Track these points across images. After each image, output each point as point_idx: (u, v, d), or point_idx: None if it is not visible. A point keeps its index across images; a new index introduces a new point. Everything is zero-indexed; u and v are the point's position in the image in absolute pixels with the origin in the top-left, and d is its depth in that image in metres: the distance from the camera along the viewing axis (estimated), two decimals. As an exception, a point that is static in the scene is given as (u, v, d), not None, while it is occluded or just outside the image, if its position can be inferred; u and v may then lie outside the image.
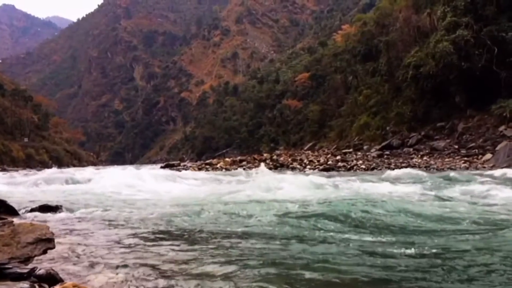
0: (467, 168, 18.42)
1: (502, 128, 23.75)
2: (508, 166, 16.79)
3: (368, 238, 4.71)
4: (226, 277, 3.41)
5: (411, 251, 4.03)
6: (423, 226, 5.47)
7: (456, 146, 25.22)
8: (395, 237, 4.74)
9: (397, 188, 9.87)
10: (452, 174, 13.78)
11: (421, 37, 33.54)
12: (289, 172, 19.24)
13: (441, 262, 3.71)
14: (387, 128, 34.47)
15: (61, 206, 7.28)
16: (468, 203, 7.51)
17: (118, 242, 4.65)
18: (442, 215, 6.15)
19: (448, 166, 19.71)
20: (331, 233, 5.00)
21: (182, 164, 35.98)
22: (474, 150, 23.12)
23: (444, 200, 8.02)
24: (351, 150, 33.15)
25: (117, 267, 3.65)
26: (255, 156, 30.26)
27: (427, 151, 26.22)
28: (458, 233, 4.89)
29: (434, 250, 4.07)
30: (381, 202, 7.17)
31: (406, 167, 20.60)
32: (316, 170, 21.57)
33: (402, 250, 4.05)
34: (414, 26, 35.15)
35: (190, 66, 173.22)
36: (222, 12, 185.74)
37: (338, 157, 26.73)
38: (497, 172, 13.77)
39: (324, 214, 6.22)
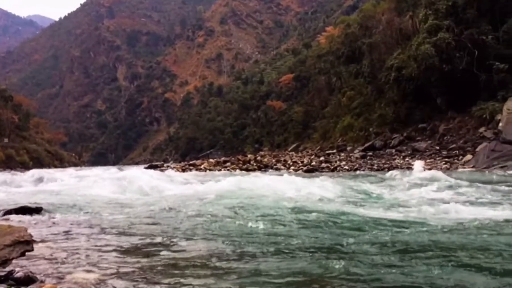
0: (448, 169, 18.69)
1: (482, 129, 24.15)
2: (487, 167, 17.11)
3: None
4: (204, 280, 3.40)
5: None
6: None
7: (437, 147, 25.56)
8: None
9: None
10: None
11: (403, 40, 33.95)
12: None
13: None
14: (370, 129, 34.78)
15: (41, 208, 7.17)
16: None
17: (98, 244, 4.60)
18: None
19: (429, 167, 19.97)
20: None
21: (166, 165, 35.84)
22: (454, 151, 23.45)
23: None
24: (334, 151, 33.39)
25: (96, 268, 3.61)
26: (239, 157, 30.25)
27: (409, 152, 26.51)
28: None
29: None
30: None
31: (388, 168, 20.86)
32: (300, 171, 21.66)
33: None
34: (396, 29, 35.57)
35: (174, 66, 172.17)
36: (207, 13, 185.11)
37: (322, 158, 26.91)
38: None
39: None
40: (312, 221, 5.91)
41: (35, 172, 16.90)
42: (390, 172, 16.23)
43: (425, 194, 8.84)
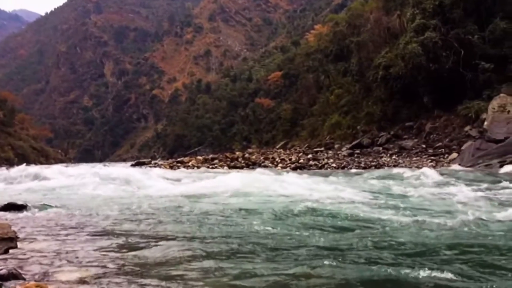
0: (433, 167, 18.88)
1: (467, 128, 24.43)
2: (472, 165, 17.33)
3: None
4: (189, 277, 3.39)
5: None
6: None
7: (424, 146, 25.81)
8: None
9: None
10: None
11: (391, 38, 34.14)
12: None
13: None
14: (358, 127, 34.96)
15: (27, 204, 7.09)
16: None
17: (83, 241, 4.56)
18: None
19: (415, 165, 20.17)
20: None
21: (153, 162, 35.58)
22: (440, 150, 23.70)
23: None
24: (322, 148, 33.49)
25: (81, 266, 3.58)
26: (227, 154, 30.19)
27: (396, 150, 26.72)
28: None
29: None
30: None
31: (375, 165, 21.02)
32: (288, 169, 21.70)
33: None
34: (384, 28, 35.74)
35: (162, 63, 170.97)
36: (195, 9, 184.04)
37: (310, 156, 26.97)
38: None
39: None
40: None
41: (20, 169, 16.66)
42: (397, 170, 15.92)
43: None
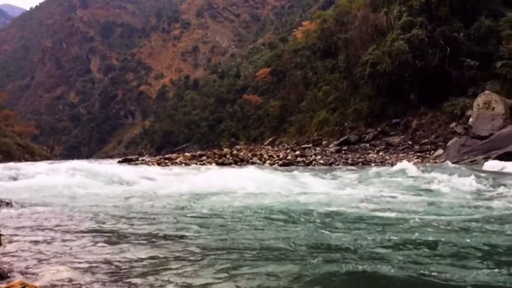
0: (420, 163, 19.07)
1: (453, 125, 24.73)
2: (457, 161, 17.54)
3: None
4: (177, 274, 3.38)
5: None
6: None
7: (410, 142, 26.06)
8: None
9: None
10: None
11: (378, 36, 34.32)
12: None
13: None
14: (345, 124, 35.14)
15: (11, 201, 7.00)
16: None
17: (68, 239, 4.52)
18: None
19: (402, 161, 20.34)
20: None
21: (140, 158, 35.38)
22: (426, 146, 23.96)
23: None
24: (310, 145, 33.63)
25: (67, 263, 3.55)
26: (215, 151, 30.14)
27: (383, 146, 26.95)
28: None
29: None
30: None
31: (363, 162, 21.16)
32: (276, 165, 21.74)
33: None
34: (371, 25, 35.91)
35: (149, 59, 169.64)
36: (183, 5, 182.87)
37: (298, 152, 27.08)
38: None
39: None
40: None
41: (5, 166, 16.42)
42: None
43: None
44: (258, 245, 4.19)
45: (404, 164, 14.65)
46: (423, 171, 12.25)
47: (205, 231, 4.99)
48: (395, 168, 14.17)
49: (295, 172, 12.70)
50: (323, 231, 4.84)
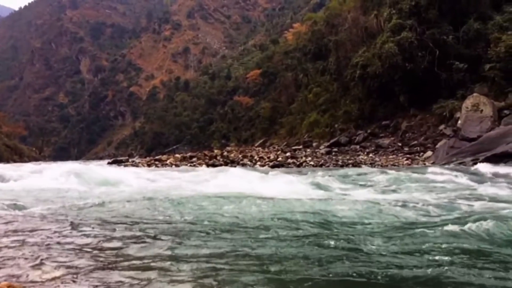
0: (409, 165, 19.22)
1: (442, 127, 24.95)
2: (446, 163, 17.69)
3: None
4: (165, 271, 3.36)
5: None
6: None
7: (400, 144, 26.25)
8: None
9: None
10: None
11: (368, 38, 34.55)
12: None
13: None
14: (336, 125, 35.30)
15: (-3, 203, 6.90)
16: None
17: (56, 241, 4.47)
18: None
19: (391, 163, 20.49)
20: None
21: (130, 160, 35.15)
22: (416, 148, 24.15)
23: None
24: (300, 147, 33.69)
25: (54, 265, 3.51)
26: (206, 152, 30.04)
27: (372, 148, 27.11)
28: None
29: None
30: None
31: (353, 163, 21.24)
32: (266, 167, 21.73)
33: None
34: (362, 27, 36.15)
35: (140, 60, 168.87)
36: (173, 6, 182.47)
37: (288, 154, 27.08)
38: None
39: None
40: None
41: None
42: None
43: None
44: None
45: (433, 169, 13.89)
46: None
47: (216, 231, 4.96)
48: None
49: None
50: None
